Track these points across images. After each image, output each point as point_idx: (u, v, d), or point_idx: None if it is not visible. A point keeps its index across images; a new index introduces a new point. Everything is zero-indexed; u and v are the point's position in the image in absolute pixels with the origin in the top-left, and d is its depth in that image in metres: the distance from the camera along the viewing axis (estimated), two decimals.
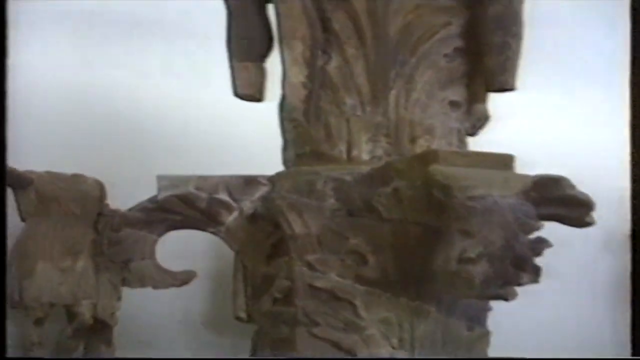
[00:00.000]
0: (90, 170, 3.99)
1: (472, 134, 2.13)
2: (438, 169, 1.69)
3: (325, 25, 2.05)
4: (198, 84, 4.17)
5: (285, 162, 2.15)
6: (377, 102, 2.00)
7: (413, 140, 2.00)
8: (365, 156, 1.99)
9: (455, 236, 1.64)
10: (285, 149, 2.15)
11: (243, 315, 3.83)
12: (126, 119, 4.19)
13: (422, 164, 1.74)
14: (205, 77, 4.01)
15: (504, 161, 1.75)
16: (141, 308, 4.07)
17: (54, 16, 4.38)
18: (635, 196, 1.76)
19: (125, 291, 4.05)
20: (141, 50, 4.29)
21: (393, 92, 2.00)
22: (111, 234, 2.03)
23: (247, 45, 2.10)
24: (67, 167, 3.99)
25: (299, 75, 2.03)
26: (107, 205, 4.03)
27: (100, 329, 4.03)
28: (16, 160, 3.78)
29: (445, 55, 2.05)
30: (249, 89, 2.11)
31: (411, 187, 1.79)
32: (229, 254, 2.68)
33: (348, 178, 1.93)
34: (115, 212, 3.89)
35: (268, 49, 2.12)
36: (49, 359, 3.90)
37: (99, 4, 4.22)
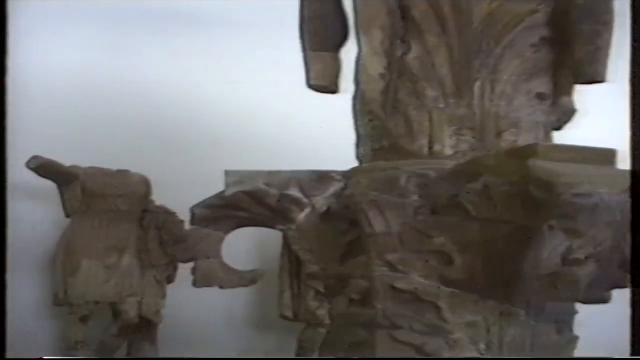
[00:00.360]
0: (138, 167, 3.92)
1: (558, 128, 2.03)
2: (538, 165, 1.59)
3: (404, 13, 1.96)
4: (251, 75, 4.07)
5: (359, 157, 2.06)
6: (461, 94, 1.90)
7: (499, 134, 1.90)
8: (448, 151, 1.89)
9: (559, 236, 1.54)
10: (359, 143, 2.06)
11: (289, 313, 3.76)
12: (183, 114, 4.10)
13: (519, 159, 1.64)
14: (262, 68, 3.92)
15: (607, 157, 1.65)
16: (185, 307, 3.99)
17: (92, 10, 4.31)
18: (635, 195, 1.68)
19: (169, 289, 3.99)
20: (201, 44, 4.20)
21: (478, 84, 1.90)
22: (175, 230, 1.95)
23: (322, 33, 2.01)
24: (113, 164, 3.92)
25: (377, 66, 1.93)
26: (153, 201, 3.95)
27: (144, 327, 3.96)
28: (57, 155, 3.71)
29: (532, 45, 1.95)
30: (325, 80, 2.02)
31: (504, 183, 1.69)
32: (272, 252, 2.59)
33: (432, 174, 1.84)
34: (161, 209, 3.82)
35: (344, 38, 2.03)
36: (56, 358, 3.83)
37: None
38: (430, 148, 1.91)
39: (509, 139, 1.90)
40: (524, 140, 1.92)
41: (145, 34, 4.29)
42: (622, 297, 2.04)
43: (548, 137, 1.99)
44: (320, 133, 3.59)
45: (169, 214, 3.80)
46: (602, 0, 1.91)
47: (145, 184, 3.92)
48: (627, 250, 1.51)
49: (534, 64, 1.95)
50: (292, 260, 2.21)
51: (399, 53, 1.96)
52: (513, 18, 1.93)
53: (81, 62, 4.17)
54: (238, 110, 4.09)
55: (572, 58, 1.95)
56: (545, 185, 1.56)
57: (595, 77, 1.91)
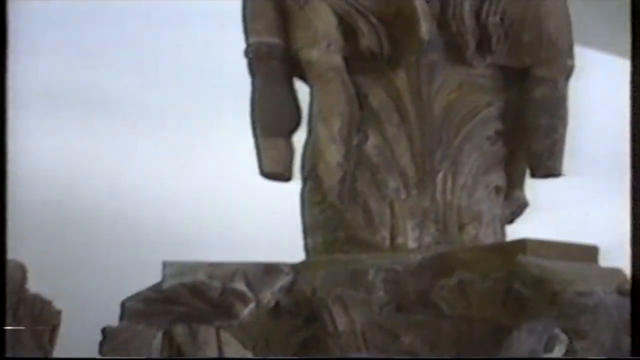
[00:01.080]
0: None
1: (510, 222, 2.00)
2: (528, 261, 1.54)
3: (362, 102, 1.90)
4: (186, 165, 3.88)
5: (308, 248, 1.95)
6: (423, 185, 1.85)
7: (461, 227, 1.85)
8: (412, 244, 1.82)
9: (535, 335, 1.49)
10: (308, 234, 1.95)
11: None
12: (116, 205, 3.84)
13: (505, 255, 1.58)
14: (193, 160, 3.75)
15: (590, 253, 1.62)
16: None
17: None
18: (635, 194, 1.70)
19: None
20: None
21: (440, 176, 1.85)
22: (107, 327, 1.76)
23: (275, 119, 1.92)
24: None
25: (336, 154, 1.86)
26: (27, 290, 3.66)
27: None
28: None
29: (488, 138, 1.93)
30: (278, 167, 1.92)
31: (483, 279, 1.62)
32: None
33: (399, 268, 1.75)
34: (36, 297, 3.55)
35: (297, 123, 1.94)
36: (52, 358, 3.46)
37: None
38: (392, 240, 1.84)
39: (471, 232, 1.86)
40: (484, 234, 1.88)
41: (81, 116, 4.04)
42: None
43: (503, 230, 1.96)
44: (264, 222, 3.45)
45: (44, 302, 3.53)
46: (559, 96, 1.92)
47: (21, 269, 3.63)
48: (626, 352, 1.47)
49: (490, 156, 1.93)
50: None
51: (355, 142, 1.89)
52: (471, 109, 1.91)
53: None
54: (179, 197, 3.89)
55: (526, 151, 1.94)
56: (540, 283, 1.51)
57: (553, 171, 1.91)
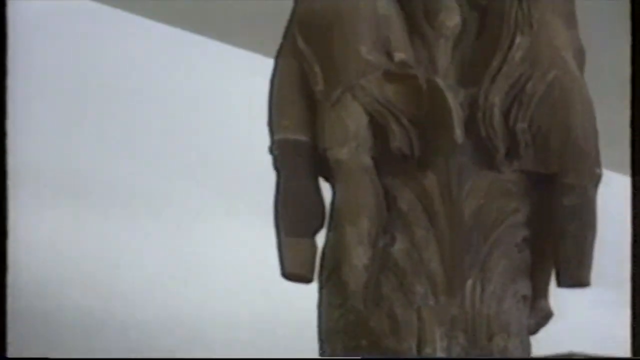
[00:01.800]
0: None
1: (534, 332, 1.94)
2: None
3: (390, 203, 1.84)
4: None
5: (326, 355, 1.86)
6: (452, 291, 1.78)
7: (490, 337, 1.78)
8: (440, 353, 1.74)
9: None
10: (325, 339, 1.87)
11: None
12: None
13: None
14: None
15: None
16: None
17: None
18: (635, 194, 1.65)
19: None
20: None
21: (469, 282, 1.79)
22: None
23: (300, 218, 1.85)
24: None
25: (362, 257, 1.79)
26: None
27: None
28: None
29: (516, 245, 1.88)
30: (302, 269, 1.85)
31: None
32: None
33: None
34: None
35: (322, 222, 1.88)
36: (52, 359, 3.21)
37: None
38: (420, 350, 1.76)
39: (500, 343, 1.80)
40: (513, 345, 1.82)
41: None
42: (622, 297, 1.97)
43: (529, 341, 1.89)
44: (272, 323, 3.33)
45: None
46: (588, 203, 1.88)
47: None
48: None
49: (518, 264, 1.88)
50: None
51: (381, 244, 1.83)
52: (499, 214, 1.87)
53: None
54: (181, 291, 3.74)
55: (554, 260, 1.90)
56: None
57: (582, 280, 1.86)
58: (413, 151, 1.82)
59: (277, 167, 1.89)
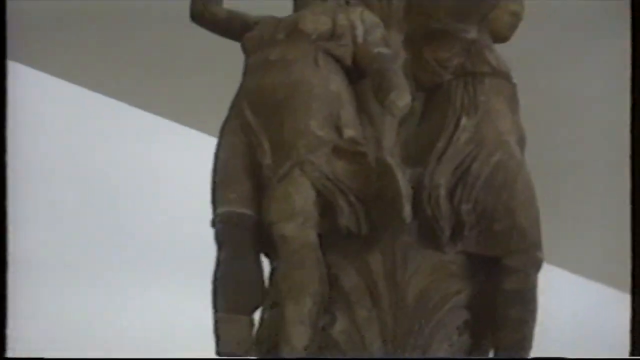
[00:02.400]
0: None
1: None
2: None
3: (331, 282, 1.81)
4: None
5: None
6: None
7: None
8: None
9: None
10: None
11: None
12: None
13: None
14: None
15: None
16: None
17: None
18: (634, 194, 1.65)
19: None
20: None
21: None
22: None
23: (241, 296, 1.80)
24: None
25: (303, 337, 1.74)
26: None
27: None
28: None
29: (457, 327, 1.86)
30: (239, 348, 1.78)
31: None
32: None
33: None
34: None
35: (261, 300, 1.82)
36: (52, 359, 2.94)
37: None
38: None
39: None
40: None
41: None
42: (622, 297, 1.92)
43: None
44: None
45: None
46: (530, 288, 1.88)
47: None
48: None
49: (458, 347, 1.86)
50: None
51: (321, 324, 1.79)
52: (442, 297, 1.85)
53: None
54: None
55: (494, 344, 1.89)
56: None
57: None
58: (360, 229, 1.79)
59: (218, 241, 1.84)
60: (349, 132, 1.83)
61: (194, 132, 4.01)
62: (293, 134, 1.80)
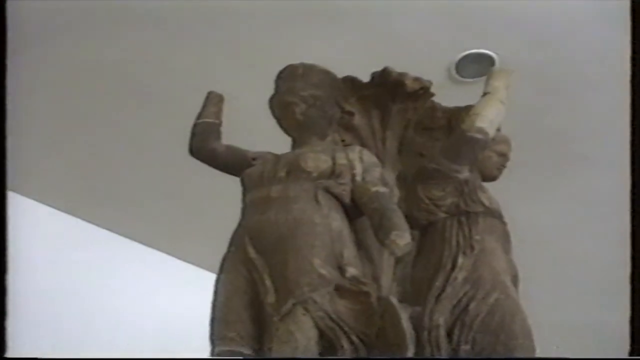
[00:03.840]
0: None
1: None
2: None
3: None
4: None
5: None
6: None
7: None
8: None
9: None
10: None
11: None
12: None
13: None
14: None
15: None
16: None
17: None
18: (634, 193, 1.60)
19: None
20: None
21: None
22: None
23: None
24: None
25: None
26: None
27: None
28: None
29: None
30: None
31: None
32: None
33: None
34: None
35: None
36: (52, 359, 2.67)
37: None
38: None
39: None
40: None
41: None
42: (622, 297, 1.81)
43: None
44: None
45: None
46: None
47: None
48: None
49: None
50: None
51: None
52: None
53: None
54: None
55: None
56: None
57: None
58: None
59: None
60: (351, 271, 1.84)
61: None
62: (296, 272, 1.80)
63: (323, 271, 1.81)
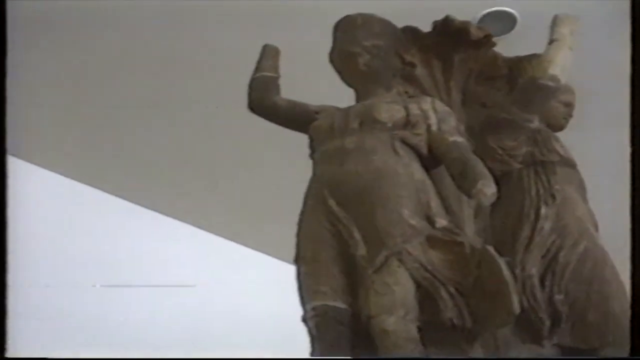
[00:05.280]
0: None
1: None
2: None
3: None
4: None
5: None
6: None
7: None
8: None
9: None
10: None
11: None
12: None
13: None
14: None
15: None
16: None
17: None
18: (634, 194, 1.58)
19: None
20: None
21: None
22: None
23: None
24: None
25: None
26: None
27: None
28: None
29: None
30: None
31: None
32: None
33: None
34: None
35: None
36: (52, 359, 2.58)
37: None
38: None
39: None
40: None
41: None
42: None
43: None
44: None
45: None
46: None
47: None
48: None
49: None
50: None
51: None
52: None
53: None
54: None
55: None
56: None
57: None
58: (464, 323, 1.69)
59: (312, 336, 1.72)
60: (441, 222, 1.76)
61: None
62: (386, 223, 1.71)
63: (413, 222, 1.72)
